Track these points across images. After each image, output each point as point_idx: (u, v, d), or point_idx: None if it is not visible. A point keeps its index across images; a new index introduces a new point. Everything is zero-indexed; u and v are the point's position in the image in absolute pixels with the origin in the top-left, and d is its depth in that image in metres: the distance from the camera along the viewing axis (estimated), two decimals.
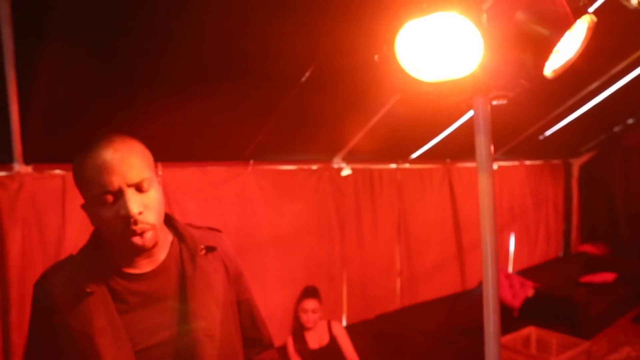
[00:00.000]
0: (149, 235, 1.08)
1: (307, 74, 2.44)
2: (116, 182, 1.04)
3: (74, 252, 1.22)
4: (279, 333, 3.24)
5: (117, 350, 1.06)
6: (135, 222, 1.05)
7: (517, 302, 4.55)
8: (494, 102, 1.23)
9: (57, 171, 2.56)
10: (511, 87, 1.15)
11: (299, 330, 3.24)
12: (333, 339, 3.19)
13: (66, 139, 2.37)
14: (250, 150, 3.05)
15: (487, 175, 1.23)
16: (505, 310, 4.40)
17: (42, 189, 2.51)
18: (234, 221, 3.07)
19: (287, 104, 2.63)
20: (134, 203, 1.05)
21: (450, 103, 1.27)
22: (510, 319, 4.37)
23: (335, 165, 3.61)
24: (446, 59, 1.08)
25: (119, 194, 1.05)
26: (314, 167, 3.50)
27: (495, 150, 5.13)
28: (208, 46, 2.04)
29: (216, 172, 3.02)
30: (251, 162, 3.17)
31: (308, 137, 3.20)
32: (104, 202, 1.05)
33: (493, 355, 1.22)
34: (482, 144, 1.22)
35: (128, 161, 1.05)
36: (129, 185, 1.05)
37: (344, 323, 3.67)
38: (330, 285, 3.55)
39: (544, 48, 1.05)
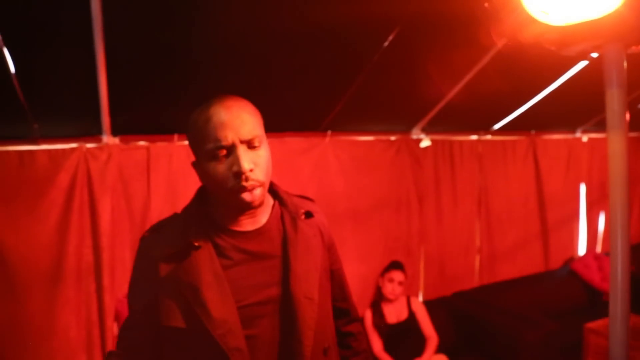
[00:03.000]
0: (257, 192, 1.09)
1: (390, 38, 2.30)
2: (230, 137, 1.05)
3: (158, 219, 1.24)
4: (357, 306, 3.19)
5: (222, 305, 1.07)
6: (247, 179, 1.06)
7: (607, 285, 4.23)
8: (632, 50, 1.06)
9: (142, 142, 2.65)
10: None
11: (378, 304, 3.18)
12: (412, 315, 3.11)
13: (150, 111, 2.46)
14: (329, 121, 3.00)
15: (620, 135, 1.06)
16: (594, 293, 4.11)
17: (128, 159, 2.61)
18: (312, 193, 3.02)
19: (367, 72, 2.53)
20: (246, 160, 1.05)
21: (573, 53, 1.11)
22: (599, 303, 4.08)
23: (414, 136, 3.50)
24: None
25: (231, 149, 1.06)
26: (393, 138, 3.41)
27: (585, 121, 4.70)
28: (284, 13, 1.98)
29: (294, 142, 3.03)
30: (329, 132, 3.13)
31: (387, 107, 3.09)
32: (216, 156, 1.06)
33: (619, 338, 1.08)
34: (615, 98, 1.05)
35: (241, 118, 1.07)
36: (242, 142, 1.06)
37: (420, 299, 3.58)
38: (408, 260, 3.46)
39: None
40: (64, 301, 2.44)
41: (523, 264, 4.18)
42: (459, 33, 2.27)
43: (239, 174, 1.05)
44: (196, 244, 1.10)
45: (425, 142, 3.49)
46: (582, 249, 4.60)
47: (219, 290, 1.08)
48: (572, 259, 4.47)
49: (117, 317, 2.52)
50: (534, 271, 4.26)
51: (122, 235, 2.59)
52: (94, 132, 2.51)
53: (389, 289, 3.12)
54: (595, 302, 4.09)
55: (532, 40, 1.13)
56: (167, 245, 1.12)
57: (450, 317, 3.48)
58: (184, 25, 1.92)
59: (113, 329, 2.54)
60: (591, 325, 3.22)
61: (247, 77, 2.30)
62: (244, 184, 1.06)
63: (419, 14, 2.17)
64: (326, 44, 2.25)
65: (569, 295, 4.06)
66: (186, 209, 1.20)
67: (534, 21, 1.02)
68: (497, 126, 3.87)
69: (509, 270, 4.08)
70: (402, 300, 3.17)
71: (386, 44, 2.34)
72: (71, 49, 1.90)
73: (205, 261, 1.09)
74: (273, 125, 2.86)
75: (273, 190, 1.26)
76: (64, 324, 2.45)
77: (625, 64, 1.07)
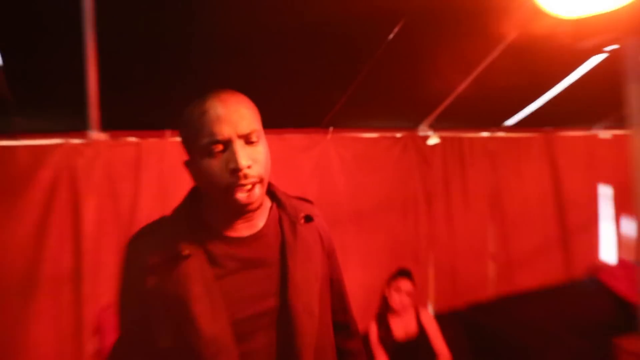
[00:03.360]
0: (256, 190, 1.03)
1: (395, 31, 2.24)
2: (226, 131, 1.00)
3: (147, 222, 1.15)
4: (360, 319, 3.06)
5: (213, 320, 1.00)
6: (245, 176, 1.00)
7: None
8: None
9: (132, 139, 2.58)
10: None
11: (384, 316, 3.00)
12: (422, 330, 2.92)
13: (141, 105, 2.40)
14: (330, 117, 2.95)
15: None
16: (624, 306, 3.85)
17: (117, 157, 2.54)
18: (313, 194, 2.92)
19: (371, 66, 2.47)
20: (243, 155, 1.00)
21: (588, 47, 0.96)
22: (630, 317, 3.84)
23: (422, 133, 3.40)
24: None
25: (228, 145, 1.01)
26: (398, 135, 3.32)
27: (605, 116, 4.46)
28: (285, 3, 1.93)
29: (294, 139, 2.97)
30: (331, 129, 3.08)
31: (392, 102, 3.01)
32: (211, 152, 1.01)
33: None
34: (636, 94, 0.91)
35: (239, 112, 1.03)
36: (239, 137, 1.01)
37: (430, 311, 3.39)
38: (415, 267, 3.27)
39: None
40: (38, 312, 2.30)
41: (543, 272, 3.96)
42: (468, 24, 2.22)
43: (235, 171, 0.99)
44: (186, 253, 1.03)
45: (433, 140, 3.41)
46: (608, 257, 4.34)
47: (210, 304, 1.01)
48: (596, 267, 4.22)
49: (98, 330, 2.38)
50: (554, 280, 4.01)
51: (107, 239, 2.46)
52: (80, 127, 2.42)
53: (396, 299, 2.94)
54: (626, 316, 3.86)
55: (545, 33, 0.98)
56: (153, 253, 1.05)
57: (464, 333, 3.29)
58: (179, 15, 1.88)
59: (92, 343, 2.40)
60: (623, 342, 3.02)
61: (245, 71, 2.23)
62: (242, 181, 1.00)
63: (425, 5, 2.08)
64: (328, 36, 2.19)
65: (596, 308, 3.80)
66: (176, 211, 1.13)
67: (546, 13, 0.87)
68: (510, 122, 3.74)
69: (527, 279, 3.86)
70: (411, 313, 2.98)
71: (391, 36, 2.26)
72: (61, 40, 1.86)
73: (195, 271, 1.03)
74: (272, 121, 2.74)
75: (270, 191, 1.19)
76: (36, 338, 2.29)
77: None
